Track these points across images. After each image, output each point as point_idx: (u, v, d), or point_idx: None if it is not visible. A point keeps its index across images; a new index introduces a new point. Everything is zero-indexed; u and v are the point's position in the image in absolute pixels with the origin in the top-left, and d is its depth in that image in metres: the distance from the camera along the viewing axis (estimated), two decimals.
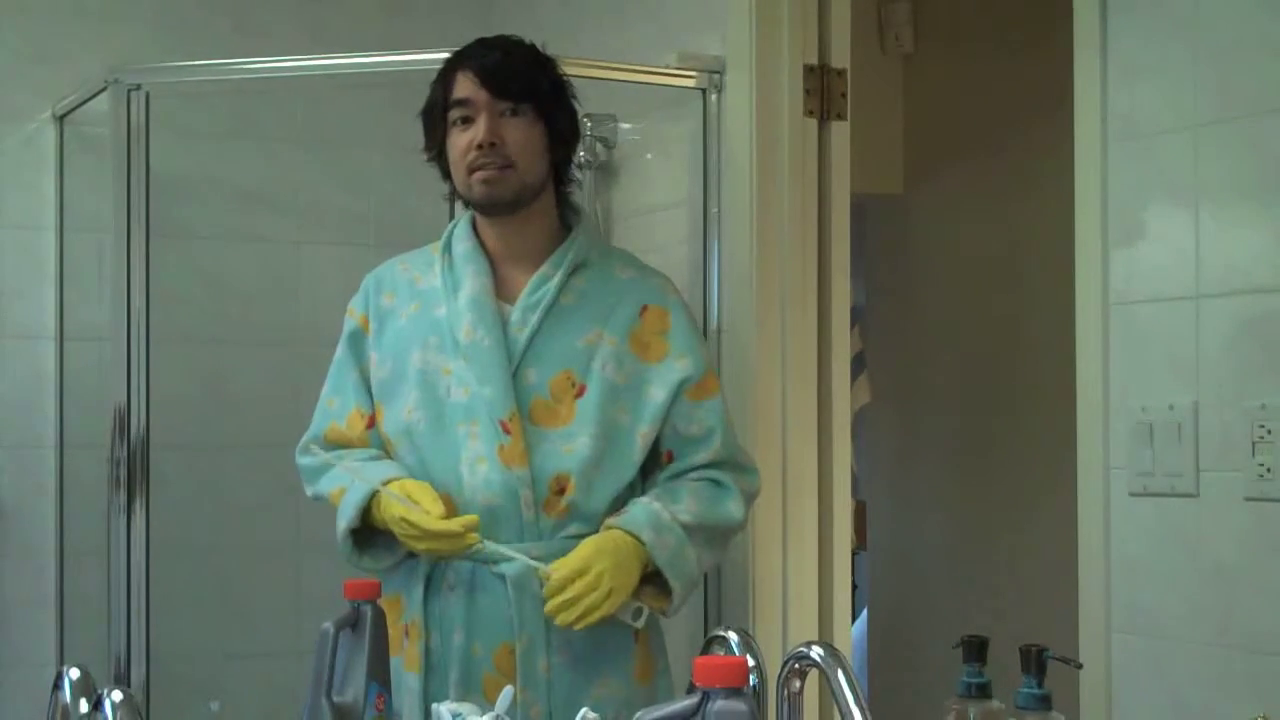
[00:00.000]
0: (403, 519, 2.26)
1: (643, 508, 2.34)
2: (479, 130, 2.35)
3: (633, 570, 2.28)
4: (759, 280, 2.85)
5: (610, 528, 2.31)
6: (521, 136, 2.37)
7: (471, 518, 2.27)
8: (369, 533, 2.36)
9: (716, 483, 2.41)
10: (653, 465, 2.43)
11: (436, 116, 2.41)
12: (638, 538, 2.29)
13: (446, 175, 2.45)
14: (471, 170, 2.36)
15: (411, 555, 2.36)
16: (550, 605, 2.25)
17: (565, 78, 2.45)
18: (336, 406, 2.46)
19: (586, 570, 2.25)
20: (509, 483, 2.31)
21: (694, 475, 2.41)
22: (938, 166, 4.04)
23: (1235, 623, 2.13)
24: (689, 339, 2.45)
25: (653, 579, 2.33)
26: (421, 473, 2.36)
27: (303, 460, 2.48)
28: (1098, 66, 2.33)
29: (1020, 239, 3.75)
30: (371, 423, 2.43)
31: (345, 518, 2.33)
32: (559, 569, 2.25)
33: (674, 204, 3.07)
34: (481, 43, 2.43)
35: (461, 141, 2.37)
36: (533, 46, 2.43)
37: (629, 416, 2.38)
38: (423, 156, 2.47)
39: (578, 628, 2.25)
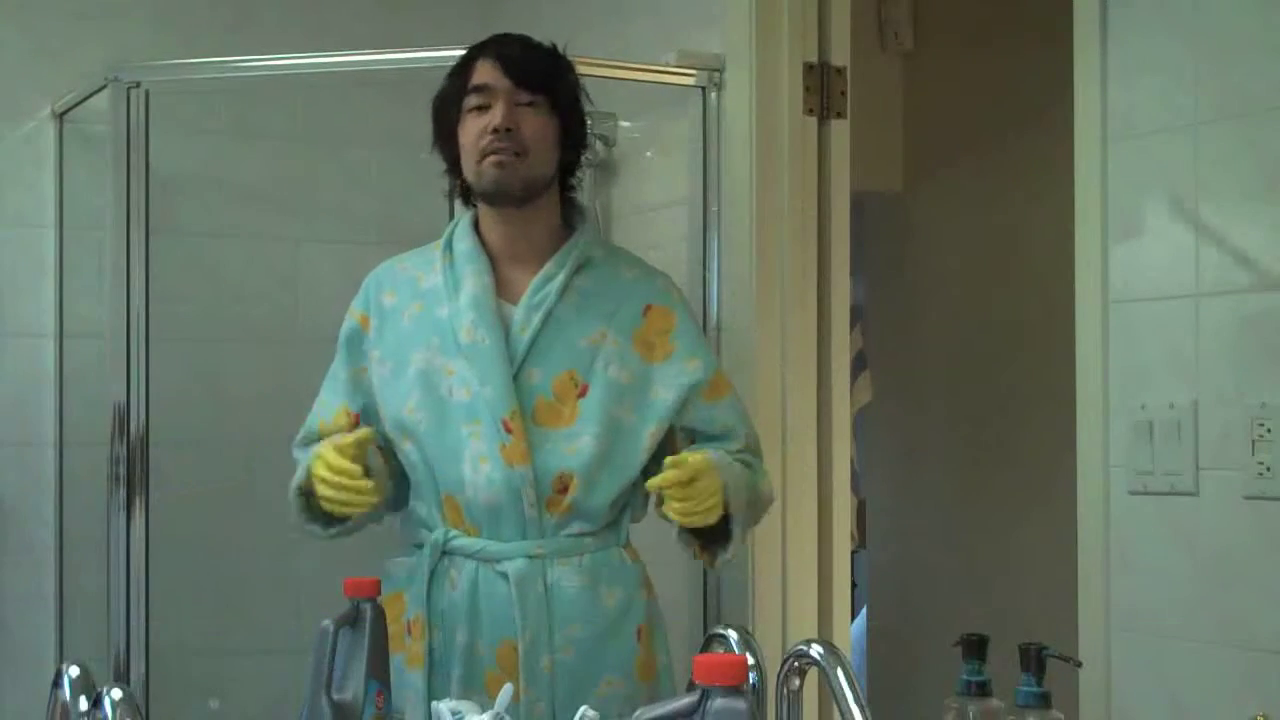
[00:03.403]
0: (320, 454, 2.27)
1: (718, 453, 2.33)
2: (495, 115, 2.35)
3: (722, 504, 2.27)
4: (759, 278, 2.85)
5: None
6: (536, 127, 2.37)
7: (370, 485, 2.26)
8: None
9: (747, 464, 2.42)
10: (657, 465, 2.43)
11: (450, 104, 2.40)
12: (724, 482, 2.28)
13: (452, 167, 2.44)
14: (484, 155, 2.36)
15: (409, 552, 2.37)
16: (656, 481, 2.23)
17: (581, 82, 2.45)
18: (326, 403, 2.47)
19: (706, 476, 2.23)
20: (511, 481, 2.31)
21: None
22: (938, 165, 4.04)
23: (1235, 621, 2.14)
24: (695, 339, 2.45)
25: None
26: (424, 471, 2.36)
27: (296, 453, 2.49)
28: (1098, 65, 2.33)
29: (1020, 237, 3.75)
30: (356, 421, 2.43)
31: (296, 478, 2.35)
32: (688, 460, 2.23)
33: (674, 202, 3.07)
34: (504, 35, 2.43)
35: (475, 127, 2.37)
36: (553, 46, 2.43)
37: (634, 416, 2.38)
38: (424, 154, 2.47)
39: (688, 523, 2.25)
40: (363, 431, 2.33)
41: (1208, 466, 2.18)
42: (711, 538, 2.34)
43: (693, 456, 2.25)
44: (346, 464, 2.26)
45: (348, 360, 2.47)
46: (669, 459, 2.25)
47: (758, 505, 2.42)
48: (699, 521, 2.26)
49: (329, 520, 2.37)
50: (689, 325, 2.46)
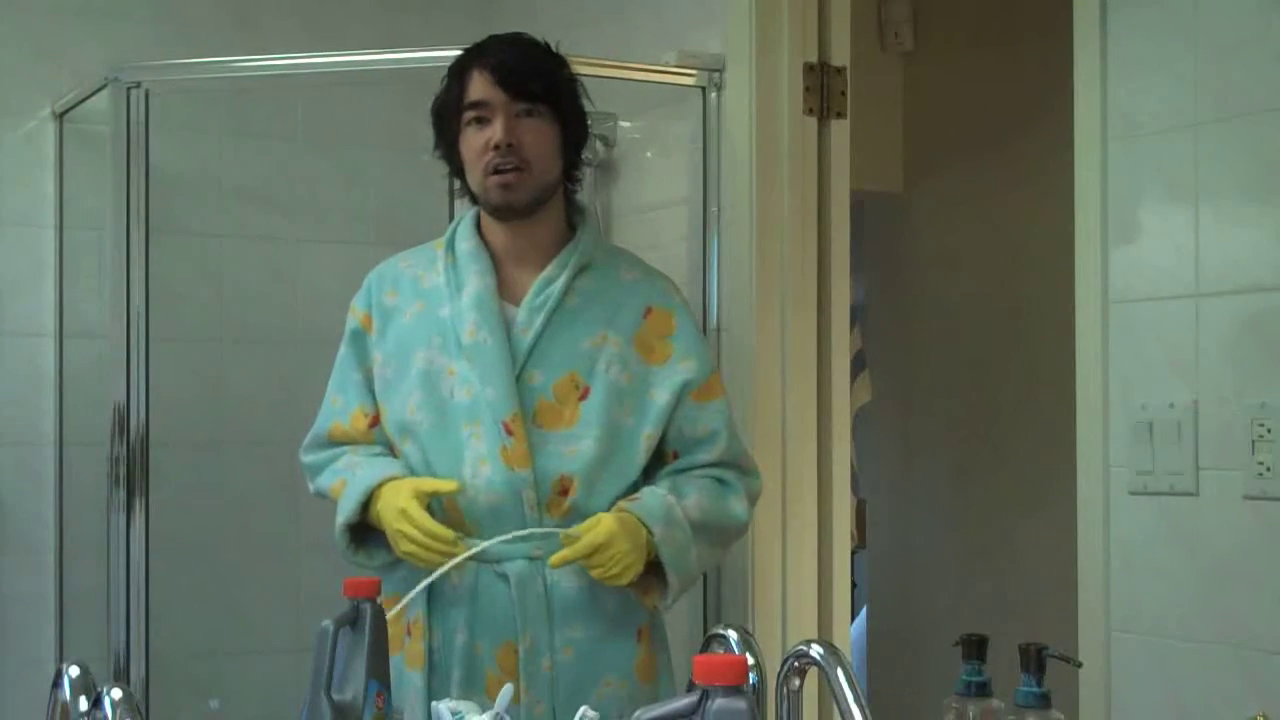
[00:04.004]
0: (402, 511, 2.26)
1: (657, 499, 2.34)
2: (496, 131, 2.34)
3: (643, 559, 2.30)
4: (759, 278, 2.84)
5: (624, 511, 2.31)
6: (538, 138, 2.36)
7: (461, 548, 2.28)
8: (365, 529, 2.37)
9: (721, 481, 2.42)
10: (656, 466, 2.43)
11: (450, 114, 2.40)
12: (649, 530, 2.29)
13: (455, 172, 2.44)
14: (488, 172, 2.36)
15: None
16: (557, 558, 2.26)
17: (577, 78, 2.45)
18: (340, 405, 2.46)
19: (609, 546, 2.26)
20: (512, 483, 2.31)
21: (699, 472, 2.41)
22: (937, 164, 4.04)
23: (1234, 621, 2.14)
24: (693, 341, 2.45)
25: (649, 570, 2.33)
26: (424, 473, 2.36)
27: (306, 458, 2.48)
28: (1098, 65, 2.33)
29: (1020, 237, 3.75)
30: (375, 421, 2.43)
31: (344, 512, 2.34)
32: (586, 535, 2.26)
33: (674, 202, 3.07)
34: (497, 40, 2.42)
35: (477, 142, 2.36)
36: (547, 45, 2.43)
37: (633, 419, 2.38)
38: (424, 154, 2.46)
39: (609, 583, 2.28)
40: (450, 483, 2.31)
41: (1208, 466, 2.18)
42: (648, 584, 2.35)
43: (595, 528, 2.26)
44: (442, 530, 2.26)
45: (357, 360, 2.46)
46: (564, 534, 2.27)
47: (725, 529, 2.42)
48: (613, 583, 2.29)
49: (374, 548, 2.36)
50: (689, 328, 2.46)
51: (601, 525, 2.27)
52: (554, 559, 2.27)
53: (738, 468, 2.44)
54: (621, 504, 2.33)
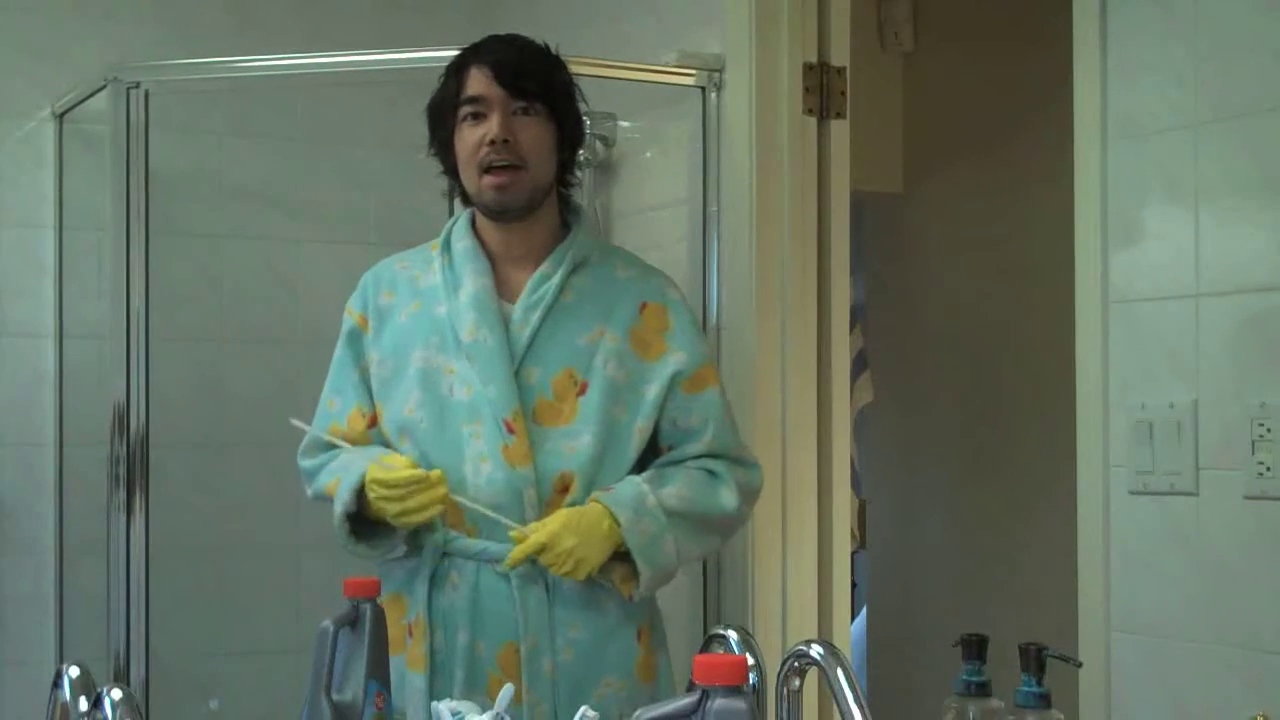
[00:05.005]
0: (374, 480, 2.26)
1: (631, 487, 2.34)
2: (492, 127, 2.35)
3: (602, 548, 2.29)
4: (759, 278, 2.85)
5: (594, 500, 2.31)
6: (533, 136, 2.36)
7: (438, 471, 2.27)
8: (366, 524, 2.36)
9: (710, 472, 2.41)
10: (651, 460, 2.43)
11: (446, 111, 2.40)
12: (615, 518, 2.29)
13: (450, 171, 2.44)
14: (483, 169, 2.36)
15: (410, 554, 2.36)
16: (510, 559, 2.27)
17: (575, 80, 2.45)
18: (337, 407, 2.46)
19: (553, 546, 2.26)
20: (513, 482, 2.31)
21: (690, 464, 2.41)
22: (937, 165, 4.04)
23: (1234, 621, 2.14)
24: (688, 335, 2.45)
25: (627, 558, 2.33)
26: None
27: (304, 463, 2.48)
28: (1098, 65, 2.33)
29: (1020, 237, 3.74)
30: (373, 422, 2.43)
31: (341, 502, 2.33)
32: (533, 535, 2.26)
33: (673, 202, 3.07)
34: (495, 39, 2.43)
35: (472, 138, 2.36)
36: (546, 47, 2.43)
37: (628, 414, 2.38)
38: (422, 155, 2.46)
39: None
40: (398, 460, 2.32)
41: (1208, 466, 2.18)
42: (626, 572, 2.34)
43: (542, 528, 2.27)
44: (415, 472, 2.26)
45: (354, 360, 2.46)
46: (514, 533, 2.27)
47: (711, 519, 2.40)
48: (573, 578, 2.28)
49: (375, 540, 2.36)
50: (685, 323, 2.46)
51: (546, 526, 2.27)
52: (508, 559, 2.28)
53: (729, 459, 2.43)
54: (595, 493, 2.33)
